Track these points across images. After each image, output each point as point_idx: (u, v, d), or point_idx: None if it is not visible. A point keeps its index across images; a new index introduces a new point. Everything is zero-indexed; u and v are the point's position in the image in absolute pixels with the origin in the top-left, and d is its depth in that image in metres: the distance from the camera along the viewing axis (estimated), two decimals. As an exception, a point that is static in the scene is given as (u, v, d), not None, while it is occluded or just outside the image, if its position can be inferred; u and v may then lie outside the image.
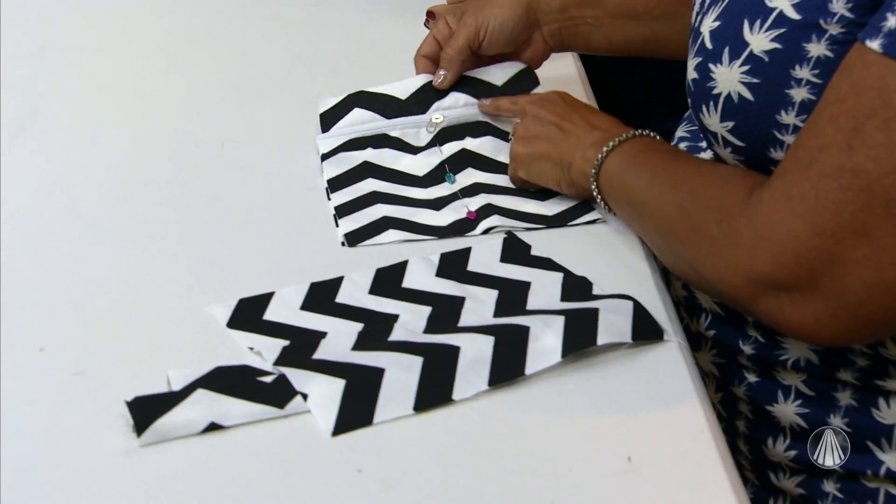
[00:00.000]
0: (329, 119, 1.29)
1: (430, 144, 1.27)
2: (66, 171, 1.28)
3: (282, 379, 0.91)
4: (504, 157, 1.24)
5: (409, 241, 1.13)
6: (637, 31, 1.31)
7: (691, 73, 1.01)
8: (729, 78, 0.96)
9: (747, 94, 0.95)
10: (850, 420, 1.01)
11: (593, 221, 1.14)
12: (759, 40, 0.93)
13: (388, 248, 1.12)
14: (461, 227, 1.14)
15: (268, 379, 0.92)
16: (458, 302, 1.02)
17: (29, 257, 1.12)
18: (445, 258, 1.09)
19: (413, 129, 1.28)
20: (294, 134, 1.32)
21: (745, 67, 0.94)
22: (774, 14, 0.92)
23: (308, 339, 0.98)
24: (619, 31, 1.30)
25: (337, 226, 1.15)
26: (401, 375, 0.91)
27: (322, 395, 0.90)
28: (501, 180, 1.22)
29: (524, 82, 1.31)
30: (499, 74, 1.31)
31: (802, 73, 0.92)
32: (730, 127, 0.98)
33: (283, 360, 0.94)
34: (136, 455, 0.86)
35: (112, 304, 1.04)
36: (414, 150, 1.27)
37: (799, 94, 0.92)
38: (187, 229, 1.16)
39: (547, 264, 1.07)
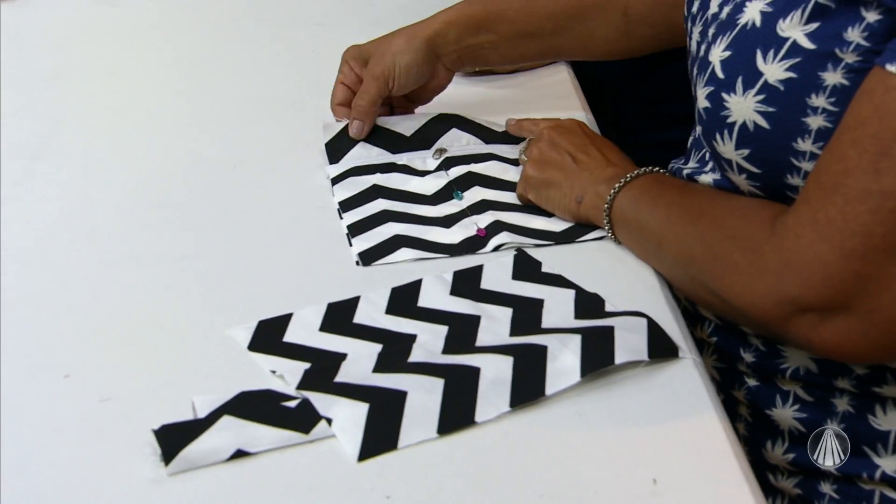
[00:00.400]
0: (335, 151, 1.24)
1: (437, 169, 1.22)
2: (83, 196, 1.22)
3: (306, 403, 0.86)
4: (509, 177, 1.19)
5: (421, 260, 1.06)
6: (532, 47, 1.28)
7: (703, 102, 0.95)
8: (744, 107, 0.91)
9: (763, 123, 0.90)
10: (847, 425, 0.97)
11: (601, 238, 1.07)
12: (774, 70, 0.88)
13: (400, 266, 1.06)
14: (472, 244, 1.08)
15: (292, 404, 0.86)
16: (475, 321, 0.97)
17: (47, 282, 1.06)
18: (459, 276, 1.03)
19: (420, 158, 1.23)
20: (303, 153, 1.27)
21: (761, 97, 0.89)
22: (788, 44, 0.88)
23: (329, 361, 0.92)
24: (514, 50, 1.27)
25: (350, 245, 1.09)
26: (423, 398, 0.85)
27: (346, 419, 0.84)
28: (508, 197, 1.16)
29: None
30: (499, 126, 1.28)
31: (818, 101, 0.87)
32: (745, 154, 0.93)
33: (305, 383, 0.88)
34: (164, 484, 0.80)
35: (133, 329, 0.98)
36: (421, 174, 1.21)
37: (815, 121, 0.87)
38: (203, 251, 1.10)
39: (558, 281, 1.01)
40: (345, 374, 0.89)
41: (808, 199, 0.85)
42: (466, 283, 1.02)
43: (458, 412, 0.85)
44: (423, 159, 1.23)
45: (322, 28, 1.65)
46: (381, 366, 0.90)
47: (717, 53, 0.94)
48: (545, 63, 1.41)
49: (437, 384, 0.86)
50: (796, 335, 0.87)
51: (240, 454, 0.81)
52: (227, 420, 0.83)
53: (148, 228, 1.14)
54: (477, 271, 1.03)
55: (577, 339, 0.90)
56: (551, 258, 1.06)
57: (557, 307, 0.98)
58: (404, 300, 1.00)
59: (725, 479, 0.79)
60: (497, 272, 1.03)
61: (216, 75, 1.51)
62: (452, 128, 1.26)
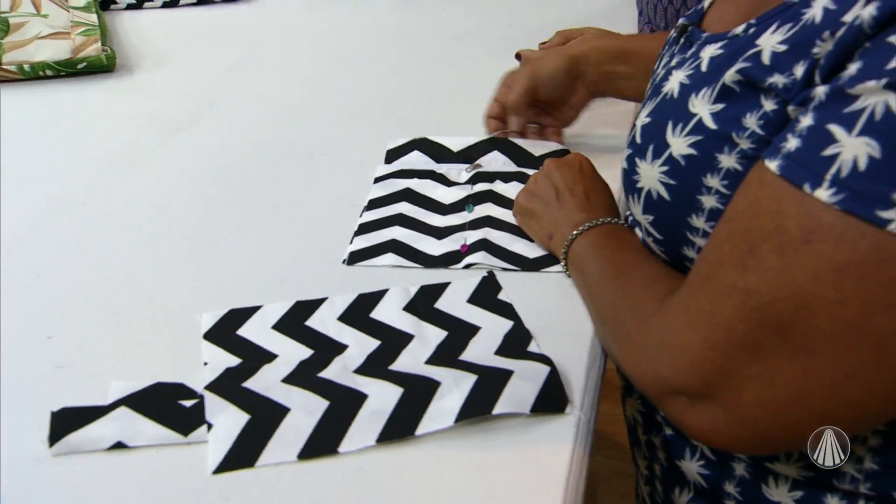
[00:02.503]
0: (392, 155, 1.05)
1: (467, 182, 0.99)
2: (177, 171, 1.05)
3: (200, 405, 0.67)
4: None
5: (405, 267, 0.85)
6: None
7: (623, 163, 0.71)
8: (650, 175, 0.66)
9: (664, 194, 0.65)
10: (742, 489, 0.71)
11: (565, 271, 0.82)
12: (679, 144, 0.63)
13: (393, 272, 0.84)
14: (449, 258, 0.86)
15: (189, 403, 0.68)
16: (406, 340, 0.75)
17: (116, 241, 0.91)
18: (422, 291, 0.81)
19: (456, 170, 1.01)
20: (375, 155, 1.05)
21: (665, 168, 0.65)
22: (694, 121, 0.62)
23: (256, 361, 0.73)
24: (645, 85, 0.97)
25: (351, 243, 0.88)
26: (301, 419, 0.65)
27: (224, 428, 0.65)
28: (509, 215, 0.91)
29: (557, 156, 1.02)
30: (538, 148, 1.04)
31: (713, 181, 0.61)
32: (650, 220, 0.68)
33: (215, 383, 0.70)
34: (44, 462, 0.64)
35: (129, 301, 0.82)
36: (450, 184, 0.99)
37: (708, 201, 0.62)
38: (230, 233, 0.92)
39: (504, 310, 0.78)
40: (255, 379, 0.70)
41: (687, 283, 0.60)
42: (423, 300, 0.80)
43: (325, 439, 0.64)
44: (459, 171, 1.01)
45: (458, 43, 1.42)
46: (292, 375, 0.71)
47: (641, 118, 0.69)
48: None
49: (321, 406, 0.66)
50: (670, 414, 0.62)
51: (119, 446, 0.64)
52: (121, 411, 0.67)
53: (203, 207, 0.97)
54: (441, 289, 0.81)
55: (471, 380, 0.67)
56: (518, 280, 0.82)
57: (488, 338, 0.75)
58: (361, 308, 0.79)
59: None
60: (458, 293, 0.81)
61: (353, 76, 1.32)
62: (495, 150, 1.02)
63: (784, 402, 0.54)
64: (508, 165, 1.01)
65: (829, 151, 0.50)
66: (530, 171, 0.99)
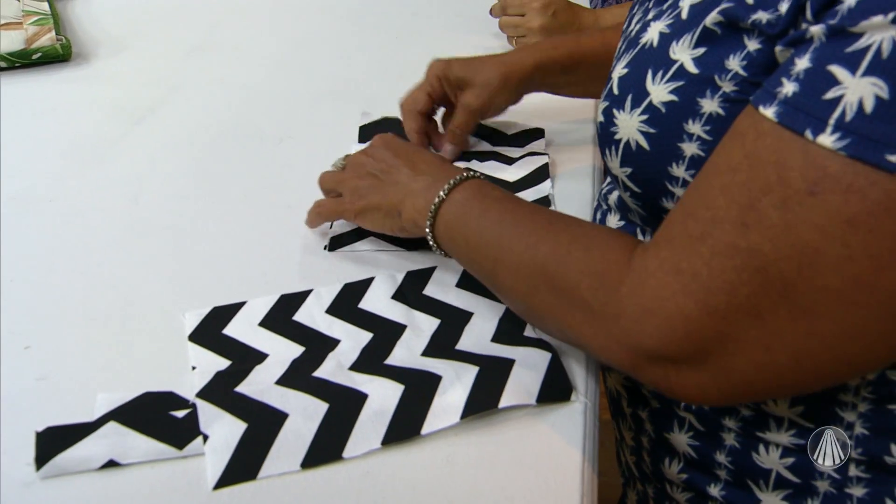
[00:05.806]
0: (365, 134, 0.97)
1: None
2: (146, 160, 0.96)
3: (193, 415, 0.59)
4: (502, 175, 0.87)
5: (387, 251, 0.77)
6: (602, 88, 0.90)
7: (599, 117, 0.64)
8: (629, 125, 0.59)
9: (644, 143, 0.59)
10: (733, 459, 0.65)
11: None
12: (659, 91, 0.57)
13: (376, 256, 0.77)
14: (425, 240, 0.78)
15: (181, 413, 0.60)
16: (399, 331, 0.68)
17: (85, 234, 0.82)
18: (408, 277, 0.74)
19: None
20: (344, 136, 0.97)
21: (644, 117, 0.58)
22: (675, 67, 0.56)
23: (247, 362, 0.66)
24: (587, 89, 0.92)
25: (330, 227, 0.81)
26: (301, 424, 0.58)
27: (221, 438, 0.58)
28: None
29: (530, 134, 0.95)
30: (510, 128, 0.96)
31: (694, 128, 0.55)
32: (628, 173, 0.61)
33: (207, 389, 0.62)
34: (34, 486, 0.56)
35: (106, 302, 0.73)
36: None
37: (690, 148, 0.56)
38: (206, 225, 0.84)
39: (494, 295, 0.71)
40: (248, 383, 0.63)
41: (672, 243, 0.52)
42: (411, 287, 0.73)
43: (328, 445, 0.57)
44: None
45: (415, 18, 1.33)
46: (286, 377, 0.63)
47: (618, 70, 0.63)
48: None
49: (321, 409, 0.59)
50: (649, 380, 0.54)
51: (111, 464, 0.56)
52: (110, 427, 0.59)
53: (174, 199, 0.88)
54: (427, 274, 0.74)
55: (473, 372, 0.60)
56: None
57: (481, 325, 0.68)
58: (349, 298, 0.72)
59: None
60: (445, 277, 0.74)
61: (315, 55, 1.22)
62: None
63: (780, 364, 0.49)
64: (481, 145, 0.94)
65: (831, 94, 0.44)
66: (504, 151, 0.92)
